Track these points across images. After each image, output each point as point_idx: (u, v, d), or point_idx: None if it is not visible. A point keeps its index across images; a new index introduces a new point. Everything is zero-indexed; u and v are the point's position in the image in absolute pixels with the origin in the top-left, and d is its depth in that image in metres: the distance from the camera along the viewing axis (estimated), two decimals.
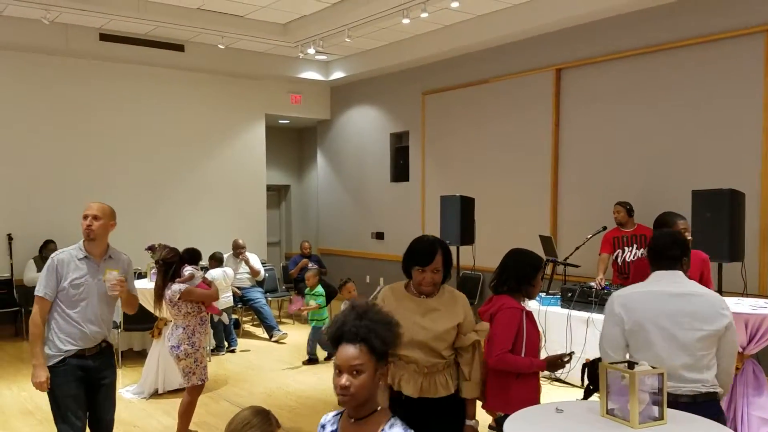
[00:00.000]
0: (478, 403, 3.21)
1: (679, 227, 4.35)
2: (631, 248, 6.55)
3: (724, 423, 2.75)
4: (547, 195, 8.07)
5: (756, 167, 6.24)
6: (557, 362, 3.25)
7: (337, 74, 10.93)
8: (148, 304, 5.69)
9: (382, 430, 2.05)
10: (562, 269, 6.98)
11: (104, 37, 8.94)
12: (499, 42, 8.46)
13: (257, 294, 8.78)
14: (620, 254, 6.60)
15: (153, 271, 6.66)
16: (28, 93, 8.83)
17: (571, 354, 3.32)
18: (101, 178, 9.27)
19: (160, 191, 9.89)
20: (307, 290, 7.40)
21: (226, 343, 7.88)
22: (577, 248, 6.85)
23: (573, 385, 6.05)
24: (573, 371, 6.05)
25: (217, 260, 8.00)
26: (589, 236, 6.89)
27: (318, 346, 7.28)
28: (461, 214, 7.50)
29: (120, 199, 9.36)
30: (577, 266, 6.87)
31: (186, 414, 4.78)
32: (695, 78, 6.67)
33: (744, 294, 5.18)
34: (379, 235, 10.70)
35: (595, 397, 2.81)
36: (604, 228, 6.85)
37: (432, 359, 2.98)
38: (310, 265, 9.76)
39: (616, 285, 6.32)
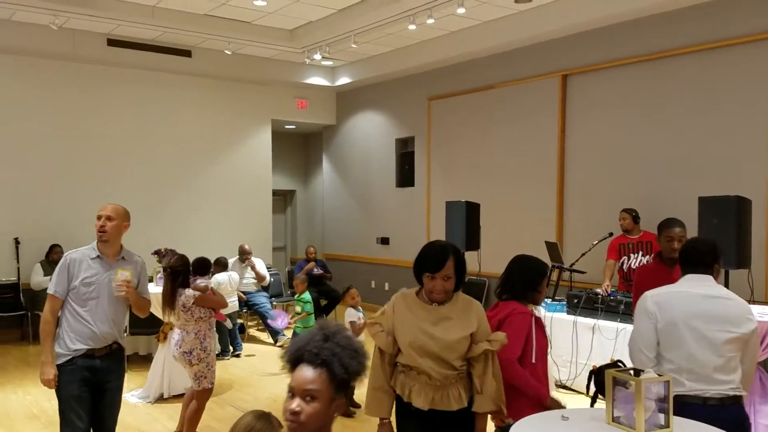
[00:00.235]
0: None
1: (675, 233, 4.33)
2: (636, 255, 6.52)
3: (748, 428, 2.85)
4: (553, 201, 8.06)
5: (762, 174, 6.22)
6: (553, 407, 3.06)
7: (343, 80, 10.96)
8: (156, 308, 5.70)
9: None
10: (567, 275, 6.97)
11: (112, 42, 9.00)
12: (505, 48, 8.47)
13: (262, 299, 8.79)
14: (626, 261, 6.58)
15: (159, 275, 6.69)
16: (35, 97, 8.88)
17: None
18: (108, 182, 9.30)
19: (167, 195, 9.92)
20: (295, 297, 7.32)
21: (231, 348, 7.89)
22: (583, 254, 6.83)
23: (579, 392, 6.02)
24: (579, 378, 6.04)
25: (221, 265, 8.01)
26: (595, 242, 6.87)
27: None
28: (467, 219, 7.49)
29: (126, 203, 9.32)
30: (583, 272, 6.85)
31: (194, 419, 4.81)
32: (701, 84, 6.66)
33: (751, 301, 5.12)
34: (385, 241, 10.70)
35: (601, 405, 2.80)
36: (610, 234, 6.84)
37: (444, 370, 2.86)
38: (315, 269, 9.79)
39: (623, 292, 6.30)
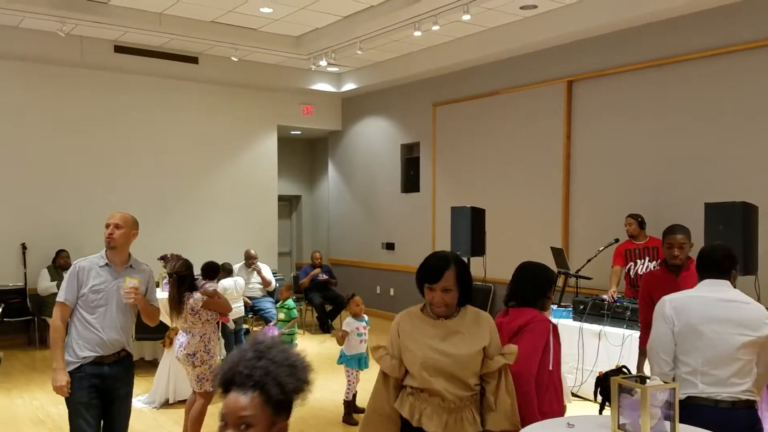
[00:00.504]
0: None
1: (675, 240, 4.31)
2: (643, 261, 6.51)
3: (760, 430, 2.85)
4: (559, 207, 8.05)
5: None
6: None
7: (349, 86, 10.99)
8: (162, 313, 5.73)
9: None
10: (573, 281, 6.95)
11: (119, 49, 9.05)
12: (510, 54, 8.48)
13: (268, 304, 8.80)
14: (632, 267, 6.57)
15: (165, 281, 6.71)
16: (43, 104, 8.94)
17: None
18: (114, 188, 9.35)
19: (173, 201, 9.96)
20: (279, 303, 7.32)
21: None
22: (589, 260, 6.82)
23: (585, 399, 6.01)
24: (585, 385, 6.02)
25: (225, 271, 8.03)
26: (600, 248, 6.86)
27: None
28: (472, 225, 7.49)
29: (133, 209, 9.38)
30: (589, 278, 6.84)
31: (198, 419, 4.84)
32: (707, 91, 6.65)
33: None
34: (390, 246, 10.71)
35: (607, 412, 2.80)
36: (616, 240, 6.82)
37: (458, 391, 2.66)
38: (320, 275, 9.80)
39: (629, 298, 6.28)
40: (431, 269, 2.70)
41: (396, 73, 10.00)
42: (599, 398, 3.13)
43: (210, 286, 5.04)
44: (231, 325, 7.66)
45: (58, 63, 8.95)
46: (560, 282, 6.93)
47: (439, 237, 9.56)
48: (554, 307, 6.56)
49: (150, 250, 8.02)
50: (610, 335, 5.96)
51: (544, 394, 3.02)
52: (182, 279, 4.89)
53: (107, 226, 3.63)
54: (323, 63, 9.46)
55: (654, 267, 6.46)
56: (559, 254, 7.06)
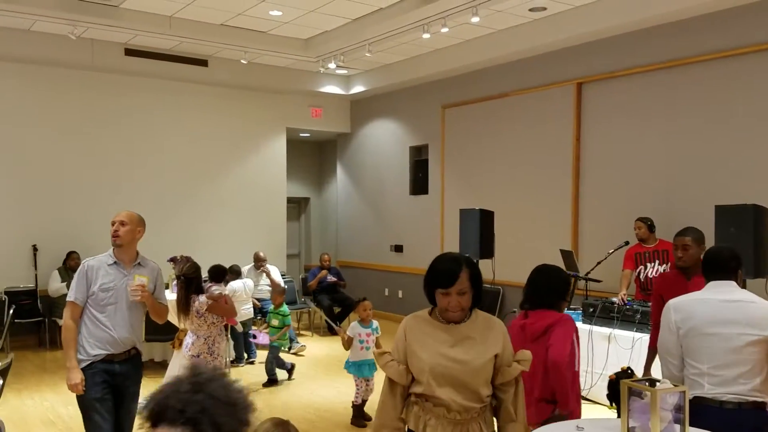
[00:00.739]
0: None
1: (678, 242, 4.27)
2: (653, 264, 6.47)
3: None
4: (568, 209, 8.02)
5: None
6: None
7: (358, 88, 11.00)
8: (171, 314, 5.76)
9: None
10: (583, 284, 6.93)
11: (129, 52, 9.11)
12: (519, 56, 8.46)
13: None
14: (642, 270, 6.53)
15: (174, 282, 6.74)
16: (54, 106, 9.01)
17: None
18: (124, 190, 9.41)
19: (183, 203, 10.00)
20: (270, 309, 7.20)
21: (245, 355, 7.91)
22: (599, 263, 6.79)
23: (595, 402, 5.98)
24: (595, 388, 5.99)
25: (234, 273, 8.06)
26: (610, 251, 6.83)
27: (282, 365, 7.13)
28: (480, 227, 7.48)
29: (143, 211, 9.42)
30: (598, 281, 6.81)
31: None
32: (718, 92, 6.61)
33: None
34: (398, 248, 10.70)
35: (613, 414, 2.79)
36: (626, 243, 6.79)
37: (467, 402, 2.51)
38: (328, 277, 9.80)
39: (639, 301, 6.25)
40: (444, 273, 2.53)
41: (405, 75, 10.00)
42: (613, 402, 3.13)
43: (216, 289, 5.06)
44: (239, 328, 7.68)
45: (69, 66, 9.02)
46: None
47: (448, 239, 9.54)
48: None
49: (159, 251, 8.04)
50: (619, 338, 5.92)
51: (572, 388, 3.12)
52: (190, 281, 4.92)
53: (113, 223, 3.66)
54: (332, 65, 9.48)
55: (664, 270, 6.43)
56: (568, 257, 7.03)
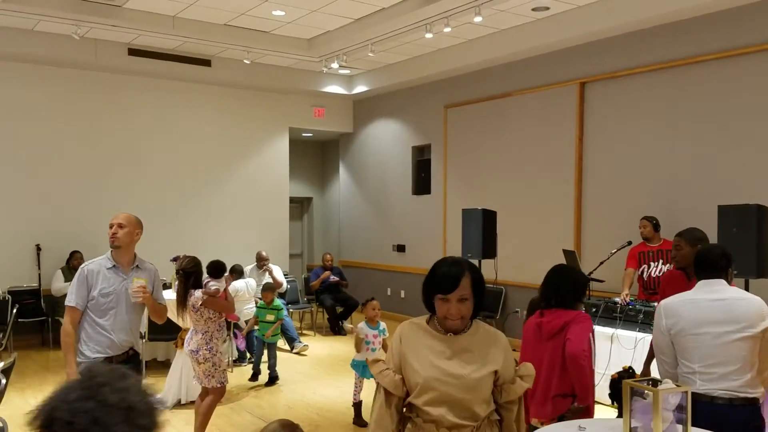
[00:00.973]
0: None
1: (674, 240, 4.30)
2: (657, 263, 6.46)
3: (756, 429, 2.89)
4: (571, 209, 8.02)
5: None
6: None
7: (360, 88, 11.01)
8: (173, 313, 5.76)
9: None
10: None
11: (133, 52, 9.13)
12: (522, 56, 8.46)
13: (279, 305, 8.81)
14: (646, 269, 6.52)
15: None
16: (57, 106, 9.03)
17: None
18: (128, 189, 9.43)
19: (186, 203, 10.02)
20: (261, 304, 7.16)
21: (248, 354, 7.92)
22: (602, 263, 6.78)
23: (598, 402, 5.96)
24: (597, 388, 5.98)
25: (237, 273, 8.07)
26: (613, 251, 6.81)
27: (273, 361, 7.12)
28: (483, 227, 7.48)
29: (146, 211, 9.46)
30: (601, 281, 6.80)
31: (206, 414, 4.89)
32: (721, 92, 6.60)
33: None
34: (401, 248, 10.70)
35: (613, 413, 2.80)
36: (629, 243, 6.78)
37: (459, 420, 2.30)
38: (331, 277, 9.81)
39: (642, 301, 6.24)
40: (445, 277, 2.34)
41: (407, 75, 10.00)
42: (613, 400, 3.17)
43: (213, 284, 5.04)
44: (242, 324, 7.70)
45: (73, 66, 9.04)
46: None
47: (451, 239, 9.55)
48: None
49: (162, 251, 8.09)
50: (622, 338, 5.92)
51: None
52: (188, 276, 4.97)
53: (111, 226, 3.66)
54: (335, 65, 9.49)
55: (667, 269, 6.42)
56: (571, 257, 7.03)
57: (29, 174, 8.83)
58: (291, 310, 9.31)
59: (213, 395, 4.95)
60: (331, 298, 9.75)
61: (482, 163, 9.25)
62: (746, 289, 4.95)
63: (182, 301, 4.96)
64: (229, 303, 5.12)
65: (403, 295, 10.61)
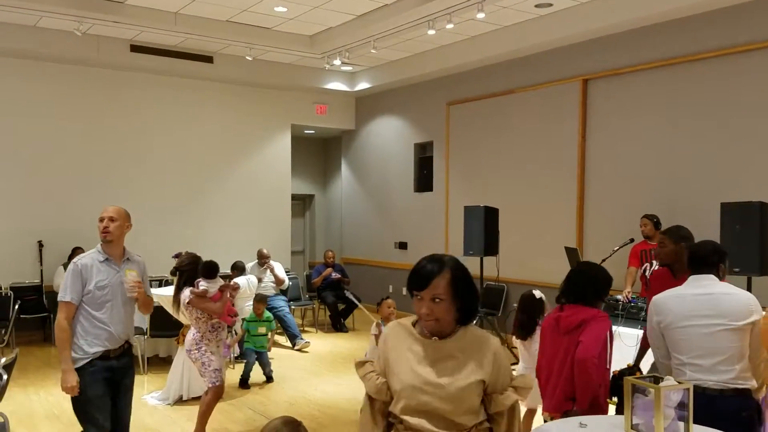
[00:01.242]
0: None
1: (660, 237, 4.30)
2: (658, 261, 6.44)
3: (748, 418, 2.96)
4: (573, 206, 8.00)
5: None
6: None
7: (363, 85, 11.00)
8: (177, 312, 5.80)
9: None
10: None
11: (135, 48, 9.12)
12: (525, 52, 8.44)
13: (281, 302, 8.83)
14: (648, 268, 6.51)
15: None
16: (59, 102, 9.03)
17: None
18: (130, 186, 9.43)
19: (187, 199, 10.02)
20: (251, 316, 7.00)
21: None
22: (603, 261, 6.74)
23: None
24: None
25: (238, 269, 8.06)
26: (615, 249, 6.80)
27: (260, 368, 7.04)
28: (485, 224, 7.47)
29: (148, 208, 9.52)
30: None
31: (203, 414, 4.90)
32: (723, 89, 6.58)
33: None
34: (403, 245, 10.70)
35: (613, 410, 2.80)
36: (631, 240, 6.77)
37: (440, 430, 2.13)
38: (333, 274, 9.81)
39: (644, 298, 6.23)
40: (418, 273, 2.17)
41: (410, 71, 9.98)
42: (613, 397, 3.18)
43: (202, 284, 5.00)
44: (239, 330, 7.67)
45: (75, 62, 9.03)
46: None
47: (453, 236, 9.54)
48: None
49: (164, 247, 8.11)
50: (624, 336, 5.90)
51: (599, 389, 3.17)
52: (181, 273, 4.99)
53: (101, 219, 3.67)
54: (337, 62, 9.47)
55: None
56: (573, 254, 7.02)
57: (31, 170, 8.83)
58: (293, 307, 9.31)
59: (209, 394, 4.94)
60: (332, 295, 9.76)
61: (484, 160, 9.23)
62: (749, 287, 4.94)
63: (176, 298, 5.00)
64: (217, 305, 4.98)
65: (404, 292, 10.58)
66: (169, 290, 6.63)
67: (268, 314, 7.15)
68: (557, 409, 3.27)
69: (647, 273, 6.52)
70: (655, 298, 3.30)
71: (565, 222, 8.06)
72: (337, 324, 9.73)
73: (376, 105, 11.32)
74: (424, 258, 2.22)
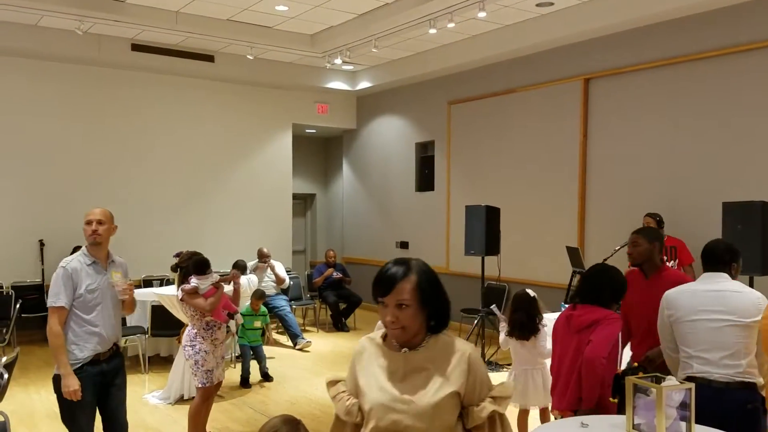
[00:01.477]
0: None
1: (630, 238, 4.28)
2: None
3: (753, 411, 3.01)
4: (575, 205, 7.99)
5: None
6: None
7: (364, 84, 10.99)
8: (178, 311, 5.81)
9: None
10: None
11: (136, 47, 9.12)
12: (526, 52, 8.42)
13: (282, 302, 8.83)
14: None
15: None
16: (60, 102, 9.03)
17: None
18: (131, 185, 9.44)
19: (189, 198, 10.02)
20: (246, 310, 6.98)
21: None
22: (605, 260, 6.73)
23: None
24: None
25: (240, 268, 8.05)
26: (617, 248, 6.77)
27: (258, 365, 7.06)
28: (486, 224, 7.46)
29: (149, 207, 9.53)
30: None
31: (195, 416, 4.85)
32: (725, 88, 6.56)
33: None
34: (404, 245, 10.69)
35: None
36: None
37: None
38: (335, 274, 9.81)
39: None
40: (380, 277, 2.01)
41: (411, 71, 9.97)
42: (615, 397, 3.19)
43: (193, 281, 4.96)
44: (232, 327, 7.65)
45: (76, 61, 9.03)
46: (576, 282, 6.87)
47: (454, 236, 9.53)
48: (568, 305, 6.50)
49: (165, 246, 8.11)
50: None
51: (607, 389, 3.20)
52: (182, 270, 5.00)
53: (89, 222, 3.64)
54: (338, 61, 9.47)
55: (672, 267, 6.39)
56: (574, 253, 7.01)
57: (32, 169, 8.84)
58: (294, 306, 9.31)
59: (197, 396, 4.88)
60: (334, 294, 9.75)
61: (486, 160, 9.22)
62: (750, 286, 4.92)
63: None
64: (209, 301, 4.88)
65: None
66: (171, 289, 6.64)
67: (262, 308, 7.16)
68: (569, 408, 3.27)
69: None
70: (667, 292, 3.38)
71: (567, 221, 8.05)
72: (339, 323, 9.73)
73: (378, 104, 11.31)
74: (388, 262, 2.06)
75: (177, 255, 6.90)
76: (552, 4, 7.40)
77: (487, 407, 1.99)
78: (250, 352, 6.91)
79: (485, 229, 7.45)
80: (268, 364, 7.10)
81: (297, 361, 7.89)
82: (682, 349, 3.23)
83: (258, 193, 10.70)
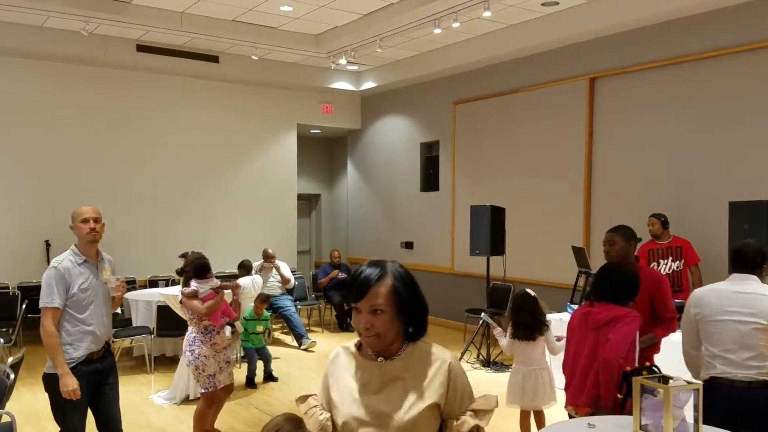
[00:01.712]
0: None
1: (605, 236, 4.27)
2: (666, 261, 6.42)
3: None
4: (580, 205, 7.97)
5: None
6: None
7: (368, 84, 10.99)
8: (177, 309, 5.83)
9: None
10: None
11: (141, 48, 9.14)
12: (532, 51, 8.41)
13: (287, 302, 8.83)
14: (655, 267, 6.47)
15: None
16: (66, 102, 9.06)
17: None
18: (136, 185, 9.46)
19: (194, 199, 10.03)
20: (249, 314, 6.95)
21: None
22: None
23: None
24: None
25: (245, 268, 8.06)
26: None
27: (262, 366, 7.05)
28: (491, 224, 7.45)
29: (154, 207, 9.55)
30: None
31: (200, 420, 4.86)
32: (731, 88, 6.53)
33: None
34: (409, 245, 10.68)
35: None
36: (639, 239, 6.71)
37: None
38: (340, 275, 9.80)
39: None
40: (353, 281, 1.90)
41: (416, 71, 9.97)
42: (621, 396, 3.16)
43: (194, 285, 4.95)
44: (228, 333, 7.64)
45: (81, 62, 9.06)
46: (581, 282, 6.86)
47: (459, 236, 9.52)
48: (575, 306, 6.48)
49: (171, 247, 8.12)
50: None
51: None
52: (187, 273, 5.01)
53: (86, 221, 3.64)
54: (343, 61, 9.47)
55: (677, 267, 6.38)
56: (580, 253, 6.99)
57: (38, 170, 8.86)
58: (299, 306, 9.31)
59: (201, 401, 4.87)
60: (339, 294, 9.75)
61: (491, 160, 9.21)
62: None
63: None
64: (206, 305, 4.85)
65: None
66: (176, 290, 6.65)
67: (265, 313, 7.17)
68: (587, 404, 3.26)
69: None
70: (695, 291, 3.44)
71: (572, 221, 8.03)
72: (344, 323, 9.72)
73: (382, 104, 11.31)
74: (362, 265, 1.94)
75: (182, 255, 6.90)
76: (557, 3, 7.38)
77: (468, 422, 1.85)
78: (256, 354, 6.92)
79: (490, 229, 7.44)
80: (273, 364, 7.10)
81: (302, 361, 7.89)
82: (706, 347, 3.25)
83: (263, 194, 10.71)
